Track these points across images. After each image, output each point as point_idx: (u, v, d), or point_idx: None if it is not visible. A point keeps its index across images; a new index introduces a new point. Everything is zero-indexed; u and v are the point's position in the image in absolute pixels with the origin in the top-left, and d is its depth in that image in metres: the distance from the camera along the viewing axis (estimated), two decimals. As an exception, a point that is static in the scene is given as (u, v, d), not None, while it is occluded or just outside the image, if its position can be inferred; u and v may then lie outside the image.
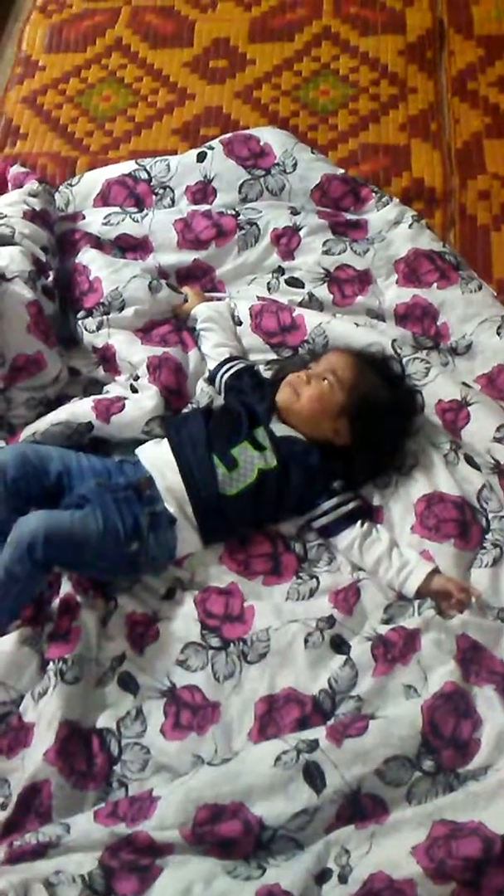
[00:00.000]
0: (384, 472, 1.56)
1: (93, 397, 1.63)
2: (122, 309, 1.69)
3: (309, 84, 2.15)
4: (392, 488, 1.55)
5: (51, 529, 1.38)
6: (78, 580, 1.46)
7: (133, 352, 1.67)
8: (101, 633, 1.43)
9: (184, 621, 1.43)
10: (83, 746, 1.32)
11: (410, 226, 1.82)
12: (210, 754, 1.30)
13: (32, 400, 1.67)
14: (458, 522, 1.48)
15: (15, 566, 1.37)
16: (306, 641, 1.39)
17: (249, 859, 1.19)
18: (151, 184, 1.90)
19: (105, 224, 1.84)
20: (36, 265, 1.68)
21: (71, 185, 1.94)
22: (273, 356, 1.70)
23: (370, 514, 1.52)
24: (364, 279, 1.77)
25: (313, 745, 1.25)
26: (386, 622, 1.41)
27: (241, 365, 1.65)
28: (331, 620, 1.41)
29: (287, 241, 1.81)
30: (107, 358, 1.70)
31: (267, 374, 1.66)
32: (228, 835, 1.20)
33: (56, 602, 1.43)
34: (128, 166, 1.93)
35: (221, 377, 1.64)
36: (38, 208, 1.78)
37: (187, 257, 1.81)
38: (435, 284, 1.74)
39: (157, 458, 1.50)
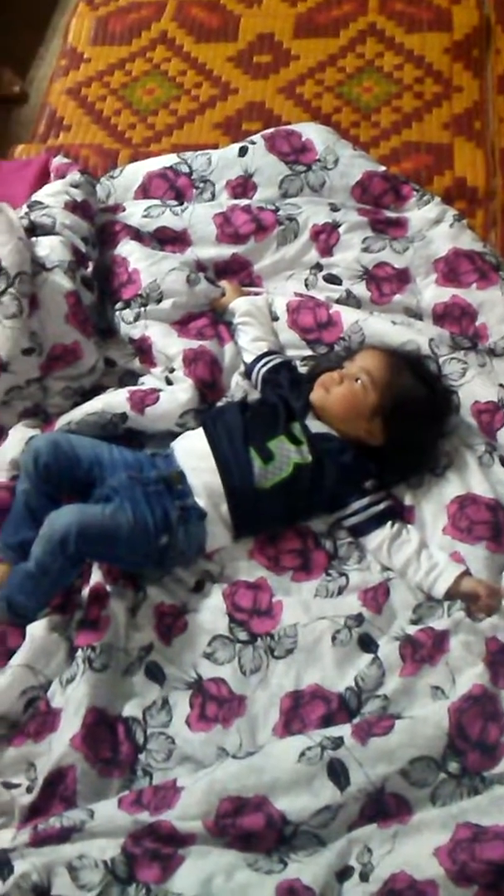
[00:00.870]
0: (418, 472, 1.55)
1: (128, 388, 1.63)
2: (159, 301, 1.70)
3: (352, 80, 2.14)
4: (425, 488, 1.54)
5: (83, 524, 1.39)
6: (108, 570, 1.46)
7: (169, 344, 1.67)
8: (130, 622, 1.43)
9: (212, 614, 1.43)
10: (109, 734, 1.33)
11: (451, 225, 1.80)
12: (234, 747, 1.31)
13: (68, 389, 1.68)
14: (490, 525, 1.46)
15: (47, 559, 1.38)
16: (334, 639, 1.38)
17: (271, 853, 1.19)
18: (192, 177, 1.91)
19: (145, 216, 1.84)
20: (76, 256, 1.69)
21: (112, 177, 1.95)
22: (308, 352, 1.69)
23: (401, 515, 1.51)
24: (402, 277, 1.76)
25: (338, 742, 1.24)
26: (415, 622, 1.40)
27: (280, 359, 1.65)
28: (359, 619, 1.40)
29: (326, 237, 1.80)
30: (143, 349, 1.70)
31: (302, 371, 1.65)
32: (251, 828, 1.20)
33: (86, 590, 1.44)
34: (169, 159, 1.93)
35: (259, 371, 1.64)
36: (79, 199, 1.79)
37: (226, 251, 1.81)
38: (474, 285, 1.73)
39: (192, 451, 1.50)
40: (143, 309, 1.70)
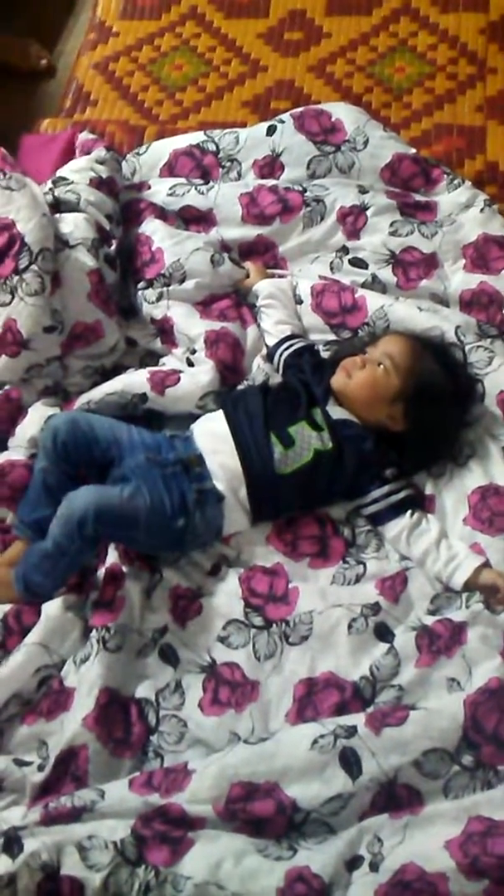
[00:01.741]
0: (439, 461, 1.53)
1: (148, 369, 1.62)
2: (182, 281, 1.68)
3: (385, 60, 2.10)
4: (446, 478, 1.52)
5: (101, 506, 1.38)
6: (125, 550, 1.46)
7: (191, 325, 1.66)
8: (145, 604, 1.43)
9: (227, 598, 1.43)
10: (122, 714, 1.33)
11: (482, 210, 1.77)
12: (247, 732, 1.30)
13: (89, 368, 1.67)
14: (512, 516, 1.45)
15: (64, 540, 1.38)
16: (350, 627, 1.37)
17: (281, 840, 1.19)
18: (219, 156, 1.88)
19: (170, 195, 1.82)
20: (100, 233, 1.68)
21: (138, 153, 1.93)
22: (332, 337, 1.67)
23: (421, 504, 1.49)
24: (430, 263, 1.73)
25: (351, 731, 1.24)
26: (432, 613, 1.39)
27: (303, 343, 1.63)
28: (376, 607, 1.39)
29: (353, 219, 1.77)
30: (165, 330, 1.69)
31: (325, 356, 1.63)
32: (261, 813, 1.20)
33: (102, 571, 1.44)
34: (196, 137, 1.91)
35: (281, 354, 1.62)
36: (104, 176, 1.77)
37: (251, 232, 1.79)
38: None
39: (212, 434, 1.49)
40: (165, 289, 1.68)
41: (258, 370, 1.64)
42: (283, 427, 1.47)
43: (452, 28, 2.12)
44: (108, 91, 2.16)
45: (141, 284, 1.72)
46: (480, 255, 1.72)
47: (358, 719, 1.26)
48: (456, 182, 1.83)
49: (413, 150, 1.87)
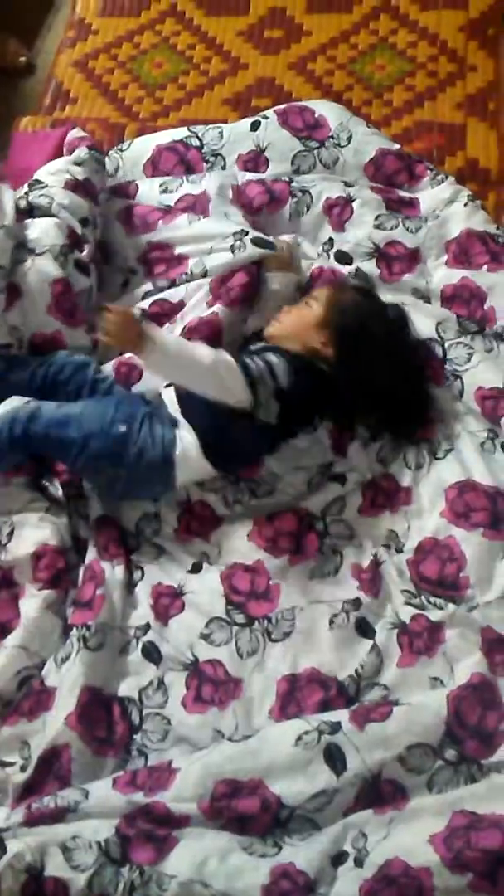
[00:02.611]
0: (383, 418, 1.54)
1: (116, 360, 1.61)
2: (205, 275, 1.68)
3: (365, 58, 2.10)
4: (424, 471, 1.52)
5: (38, 406, 1.45)
6: (105, 546, 1.45)
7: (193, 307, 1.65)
8: (127, 601, 1.43)
9: (209, 596, 1.43)
10: (104, 713, 1.32)
11: (465, 205, 1.77)
12: (230, 730, 1.30)
13: None
14: (489, 512, 1.45)
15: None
16: (331, 623, 1.38)
17: (266, 837, 1.19)
18: (203, 151, 1.87)
19: (164, 192, 1.81)
20: (70, 238, 1.65)
21: (121, 149, 1.92)
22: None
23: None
24: (413, 258, 1.73)
25: (336, 727, 1.23)
26: (407, 603, 1.39)
27: None
28: (356, 603, 1.40)
29: (340, 211, 1.77)
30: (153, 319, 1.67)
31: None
32: (246, 811, 1.19)
33: (82, 569, 1.43)
34: (179, 132, 1.90)
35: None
36: (80, 178, 1.73)
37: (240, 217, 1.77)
38: (485, 267, 1.70)
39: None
40: (187, 284, 1.69)
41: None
42: None
43: (432, 26, 2.12)
44: (88, 89, 2.15)
45: (162, 283, 1.71)
46: (463, 250, 1.73)
47: (342, 715, 1.26)
48: (439, 177, 1.84)
49: (397, 146, 1.88)
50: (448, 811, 1.17)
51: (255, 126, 1.88)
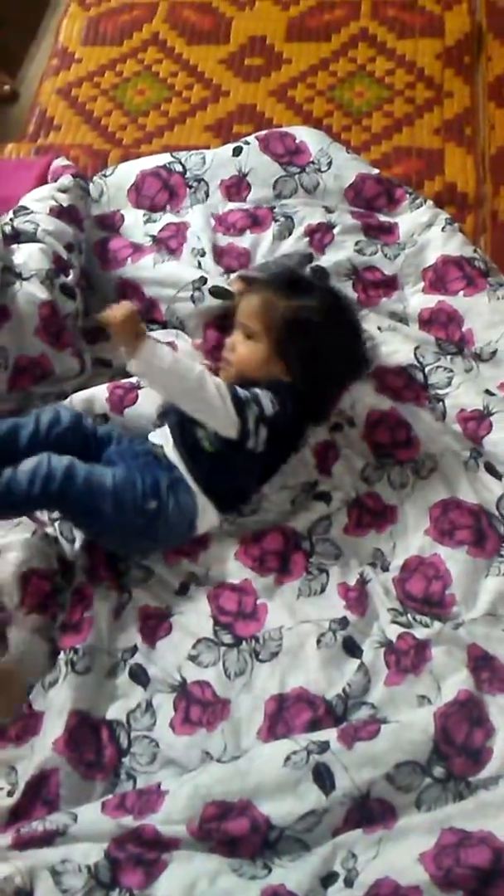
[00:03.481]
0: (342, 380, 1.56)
1: (109, 384, 1.62)
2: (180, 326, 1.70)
3: (344, 85, 2.14)
4: (408, 490, 1.53)
5: (75, 466, 1.38)
6: (92, 568, 1.45)
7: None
8: (114, 624, 1.42)
9: (197, 617, 1.42)
10: (93, 737, 1.32)
11: (443, 229, 1.80)
12: (219, 751, 1.30)
13: (50, 395, 1.66)
14: (473, 530, 1.46)
15: (22, 481, 1.35)
16: (318, 642, 1.38)
17: (255, 858, 1.18)
18: (186, 176, 1.90)
19: (147, 221, 1.83)
20: (56, 263, 1.67)
21: (105, 175, 1.94)
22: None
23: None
24: (391, 284, 1.76)
25: (324, 746, 1.24)
26: (394, 622, 1.40)
27: None
28: (343, 622, 1.40)
29: (321, 236, 1.79)
30: None
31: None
32: (235, 832, 1.19)
33: (69, 592, 1.43)
34: (162, 158, 1.93)
35: None
36: (65, 204, 1.76)
37: (222, 240, 1.80)
38: (461, 292, 1.73)
39: (159, 433, 1.52)
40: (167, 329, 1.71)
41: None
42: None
43: (409, 53, 2.17)
44: (72, 116, 2.18)
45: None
46: (439, 277, 1.75)
47: (330, 734, 1.26)
48: (418, 202, 1.87)
49: (376, 171, 1.91)
50: (437, 829, 1.17)
51: (237, 151, 1.91)
